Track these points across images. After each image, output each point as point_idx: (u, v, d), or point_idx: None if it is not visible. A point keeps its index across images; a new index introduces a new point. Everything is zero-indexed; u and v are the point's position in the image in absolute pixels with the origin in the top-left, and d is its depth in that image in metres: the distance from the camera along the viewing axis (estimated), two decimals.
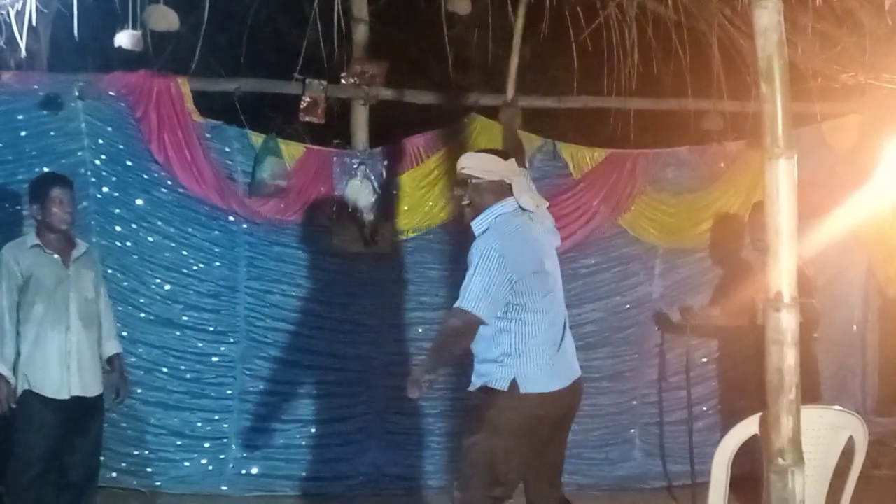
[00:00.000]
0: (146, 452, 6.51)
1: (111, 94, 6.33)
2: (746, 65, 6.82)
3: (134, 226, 6.45)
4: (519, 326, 4.26)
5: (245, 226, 6.62)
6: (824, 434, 3.96)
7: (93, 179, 6.33)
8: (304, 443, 6.76)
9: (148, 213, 6.47)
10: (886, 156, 7.04)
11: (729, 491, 4.02)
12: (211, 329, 6.64)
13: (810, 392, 4.16)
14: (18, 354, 5.09)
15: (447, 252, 6.82)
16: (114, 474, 6.30)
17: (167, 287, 6.53)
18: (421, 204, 6.87)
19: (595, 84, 7.13)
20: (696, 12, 6.81)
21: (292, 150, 6.69)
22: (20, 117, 6.20)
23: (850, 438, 4.03)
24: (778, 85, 3.37)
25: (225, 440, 6.68)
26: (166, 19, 6.07)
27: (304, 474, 6.69)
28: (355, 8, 6.89)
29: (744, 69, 6.90)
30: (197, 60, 6.35)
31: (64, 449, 5.18)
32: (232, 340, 6.67)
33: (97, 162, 6.35)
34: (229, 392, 6.68)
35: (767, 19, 3.38)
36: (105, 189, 6.38)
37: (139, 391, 6.37)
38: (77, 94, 6.23)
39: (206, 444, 6.65)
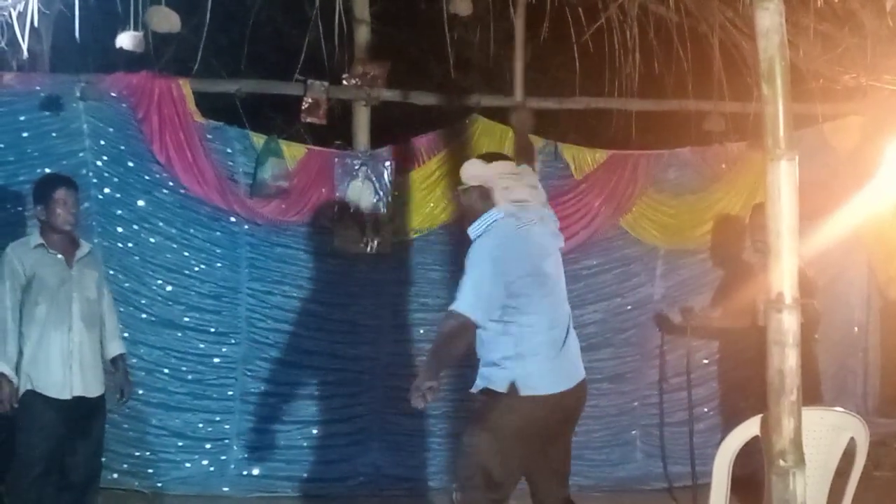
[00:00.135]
0: (147, 453, 6.52)
1: (113, 95, 6.33)
2: (748, 66, 6.83)
3: (135, 227, 6.46)
4: (516, 329, 4.25)
5: (246, 227, 6.63)
6: (825, 435, 3.96)
7: (94, 180, 6.34)
8: (305, 444, 6.76)
9: (149, 214, 6.47)
10: (888, 157, 7.04)
11: (730, 492, 4.01)
12: (212, 330, 6.64)
13: (811, 393, 4.16)
14: (21, 354, 5.09)
15: (448, 253, 6.82)
16: (115, 475, 6.30)
17: (169, 288, 6.53)
18: (422, 205, 6.87)
19: (596, 85, 7.14)
20: (698, 13, 6.82)
21: (294, 151, 6.69)
22: (22, 118, 6.21)
23: (852, 439, 4.03)
24: (779, 86, 3.37)
25: (226, 441, 6.68)
26: (168, 20, 6.08)
27: (305, 475, 6.69)
28: (357, 9, 6.89)
29: (745, 70, 6.90)
30: (198, 61, 6.36)
31: (66, 449, 5.18)
32: (233, 341, 6.67)
33: (99, 163, 6.35)
34: (231, 393, 6.68)
35: (769, 21, 3.38)
36: (106, 190, 6.39)
37: (141, 392, 6.37)
38: (79, 95, 6.23)
39: (208, 445, 6.66)
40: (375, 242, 6.71)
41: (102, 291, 5.43)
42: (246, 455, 6.69)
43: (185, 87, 6.44)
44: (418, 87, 7.30)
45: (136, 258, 6.46)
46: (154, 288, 6.51)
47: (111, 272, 6.15)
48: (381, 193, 6.74)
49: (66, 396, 5.13)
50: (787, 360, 3.37)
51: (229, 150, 6.61)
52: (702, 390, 7.10)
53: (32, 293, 5.11)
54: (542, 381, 4.23)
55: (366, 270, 6.83)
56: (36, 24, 5.41)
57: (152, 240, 6.49)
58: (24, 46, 5.44)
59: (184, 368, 6.59)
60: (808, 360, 4.40)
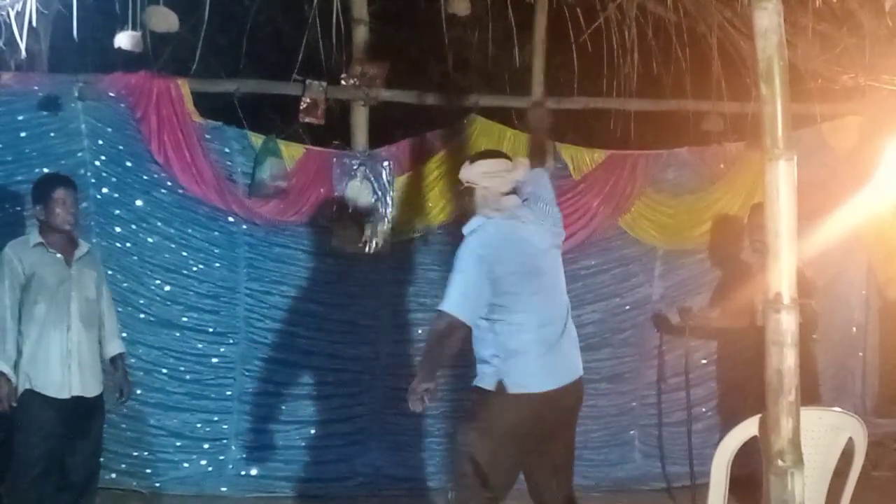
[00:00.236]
0: (146, 453, 6.51)
1: (111, 95, 6.33)
2: (746, 66, 6.83)
3: (134, 227, 6.45)
4: (504, 327, 4.27)
5: (245, 227, 6.62)
6: (824, 435, 3.96)
7: (93, 180, 6.33)
8: (303, 444, 6.75)
9: (148, 214, 6.47)
10: (886, 157, 7.04)
11: (728, 492, 4.01)
12: (210, 330, 6.64)
13: (809, 393, 4.16)
14: (20, 353, 5.08)
15: (447, 253, 6.76)
16: (113, 475, 6.30)
17: (167, 288, 6.53)
18: (421, 205, 6.86)
19: (595, 85, 7.14)
20: (696, 13, 6.82)
21: (292, 151, 6.69)
22: (20, 118, 6.20)
23: (850, 440, 4.03)
24: (778, 86, 3.37)
25: (224, 441, 6.68)
26: (166, 20, 6.09)
27: (303, 475, 6.68)
28: (355, 9, 6.89)
29: (744, 70, 6.91)
30: (197, 61, 6.37)
31: (65, 449, 5.18)
32: (231, 341, 6.67)
33: (97, 163, 6.35)
34: (229, 393, 6.68)
35: (767, 21, 3.38)
36: (105, 190, 6.38)
37: (139, 392, 6.36)
38: (77, 94, 6.23)
39: (206, 445, 6.65)
40: (374, 242, 6.71)
41: (101, 291, 5.43)
42: (244, 455, 6.69)
43: (184, 87, 6.44)
44: (417, 87, 7.29)
45: (135, 258, 6.46)
46: (152, 288, 6.50)
47: (109, 272, 6.14)
48: (380, 193, 6.74)
49: (65, 396, 5.13)
50: (785, 361, 3.37)
51: (227, 150, 6.60)
52: (700, 390, 7.10)
53: (31, 292, 5.11)
54: (530, 379, 4.23)
55: (364, 270, 6.83)
56: (34, 23, 5.40)
57: (150, 240, 6.48)
58: (23, 46, 5.44)
59: (182, 368, 6.58)
60: (807, 360, 4.40)
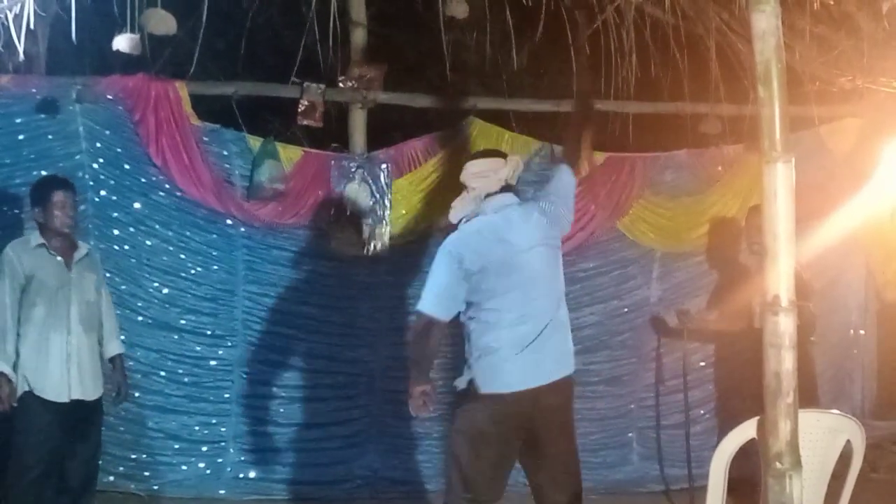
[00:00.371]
0: (144, 456, 6.51)
1: (109, 97, 6.33)
2: (744, 68, 6.83)
3: (132, 229, 6.45)
4: (476, 325, 4.29)
5: (243, 229, 6.62)
6: (822, 438, 3.96)
7: (91, 183, 6.33)
8: (301, 446, 6.75)
9: (146, 217, 6.47)
10: (884, 159, 7.05)
11: (726, 495, 4.01)
12: (209, 332, 6.64)
13: (807, 395, 4.16)
14: (18, 355, 5.08)
15: None
16: (111, 478, 6.30)
17: (165, 290, 6.53)
18: (419, 207, 6.87)
19: (593, 87, 7.13)
20: (694, 16, 6.81)
21: (290, 154, 6.69)
22: (18, 121, 6.21)
23: (848, 442, 4.03)
24: (776, 88, 3.38)
25: (223, 444, 6.68)
26: (164, 23, 6.09)
27: (301, 478, 6.68)
28: (353, 11, 6.89)
29: (741, 73, 6.91)
30: (195, 64, 6.36)
31: (63, 452, 5.17)
32: (230, 344, 6.67)
33: (95, 165, 6.35)
34: (227, 395, 6.68)
35: (765, 23, 3.38)
36: (103, 192, 6.38)
37: (137, 395, 6.36)
38: (75, 97, 6.24)
39: (204, 448, 6.65)
40: (372, 245, 6.71)
41: (101, 293, 5.44)
42: (242, 458, 6.69)
43: (182, 90, 6.44)
44: (415, 89, 7.30)
45: (133, 260, 6.46)
46: (150, 290, 6.50)
47: (108, 274, 6.12)
48: (378, 196, 6.74)
49: (64, 399, 5.13)
50: (783, 363, 3.37)
51: (225, 153, 6.60)
52: (698, 393, 7.11)
53: (31, 294, 5.11)
54: (499, 379, 4.20)
55: (362, 273, 6.83)
56: (32, 26, 5.38)
57: (149, 242, 6.48)
58: (21, 49, 5.41)
59: (180, 371, 6.58)
60: (804, 362, 4.38)
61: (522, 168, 4.63)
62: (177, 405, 6.59)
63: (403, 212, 6.84)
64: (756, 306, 5.76)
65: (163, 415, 6.55)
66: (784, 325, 3.37)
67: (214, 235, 6.60)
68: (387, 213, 6.76)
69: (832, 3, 6.38)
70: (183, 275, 6.56)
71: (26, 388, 5.08)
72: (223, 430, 6.68)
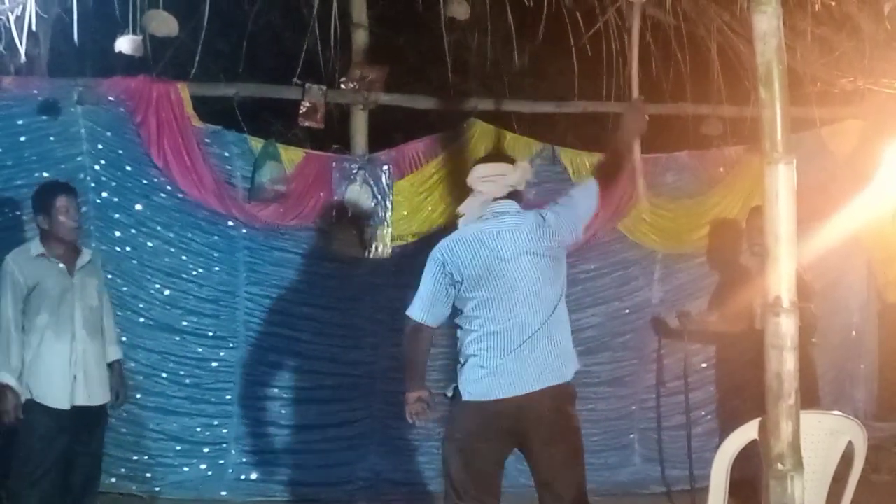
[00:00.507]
0: (145, 457, 6.51)
1: (110, 99, 6.33)
2: (745, 70, 6.84)
3: (133, 231, 6.45)
4: (462, 332, 4.29)
5: (244, 231, 6.62)
6: (823, 439, 3.95)
7: (92, 184, 6.33)
8: (302, 448, 6.75)
9: (147, 218, 6.47)
10: (886, 160, 7.04)
11: (728, 496, 4.01)
12: (210, 334, 6.64)
13: (808, 397, 4.14)
14: (23, 364, 5.07)
15: None
16: (113, 479, 6.29)
17: (167, 292, 6.53)
18: (420, 209, 6.87)
19: (594, 89, 7.14)
20: (696, 17, 6.82)
21: (291, 155, 6.69)
22: (19, 122, 6.20)
23: (850, 443, 4.02)
24: (777, 90, 3.37)
25: (224, 445, 6.68)
26: (166, 24, 6.09)
27: (302, 479, 6.68)
28: (354, 13, 6.90)
29: (743, 74, 6.91)
30: (196, 65, 6.36)
31: (66, 455, 5.17)
32: (231, 345, 6.67)
33: (96, 167, 6.35)
34: (229, 397, 6.68)
35: (766, 24, 3.38)
36: (104, 194, 6.38)
37: (138, 396, 6.37)
38: (76, 99, 6.23)
39: (206, 450, 6.65)
40: (373, 246, 6.71)
41: (103, 297, 5.43)
42: (244, 459, 6.69)
43: (183, 91, 6.44)
44: (416, 90, 7.31)
45: (135, 262, 6.46)
46: (152, 292, 6.50)
47: (109, 276, 6.13)
48: (379, 197, 6.74)
49: (67, 406, 5.12)
50: (785, 364, 3.36)
51: (227, 154, 6.60)
52: (699, 394, 7.11)
53: (34, 302, 5.09)
54: (477, 386, 4.16)
55: (364, 274, 6.83)
56: (34, 27, 5.39)
57: (150, 244, 6.48)
58: (22, 50, 5.43)
59: (182, 372, 6.58)
60: (806, 364, 4.38)
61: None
62: (178, 407, 6.59)
63: (405, 213, 6.84)
64: (757, 308, 5.76)
65: (164, 416, 6.55)
66: (785, 327, 3.36)
67: (216, 237, 6.60)
68: (388, 214, 6.76)
69: (833, 4, 6.39)
70: (184, 276, 6.56)
71: (28, 396, 5.07)
72: (224, 431, 6.68)
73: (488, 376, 4.15)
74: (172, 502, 6.45)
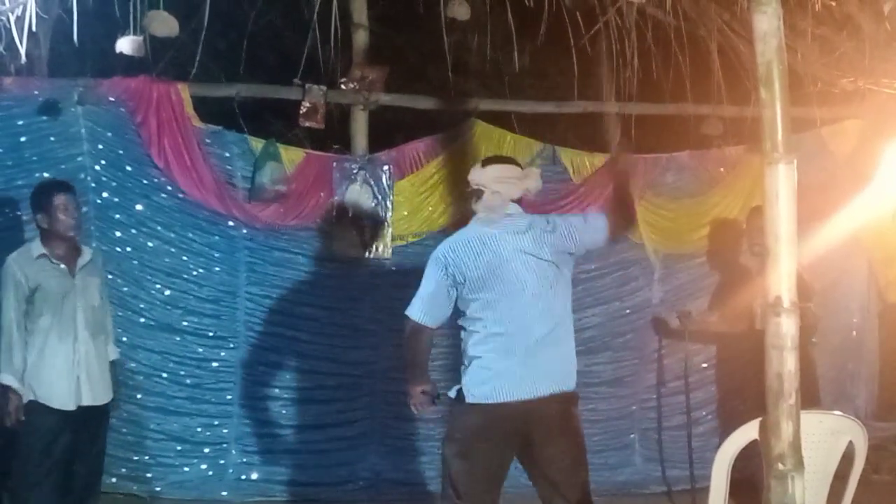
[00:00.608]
0: (146, 458, 6.50)
1: (111, 99, 6.34)
2: (746, 70, 6.83)
3: (134, 231, 6.45)
4: (465, 333, 4.27)
5: (245, 231, 6.62)
6: (824, 439, 3.95)
7: (92, 185, 6.33)
8: (303, 448, 6.75)
9: (148, 219, 6.47)
10: (886, 160, 7.04)
11: (729, 496, 4.01)
12: (211, 334, 6.64)
13: (809, 397, 4.14)
14: (25, 365, 5.06)
15: None
16: (114, 479, 6.29)
17: (167, 292, 6.53)
18: (421, 209, 6.88)
19: (594, 89, 7.14)
20: (696, 17, 6.82)
21: (292, 156, 6.69)
22: (20, 123, 6.21)
23: (850, 443, 4.02)
24: (777, 90, 3.37)
25: (225, 445, 6.68)
26: (166, 25, 6.09)
27: (303, 479, 6.68)
28: (355, 13, 6.90)
29: (743, 74, 6.90)
30: (197, 66, 6.35)
31: (69, 456, 5.17)
32: (232, 345, 6.67)
33: (97, 167, 6.35)
34: (229, 397, 6.68)
35: (767, 24, 3.38)
36: (105, 194, 6.38)
37: (139, 396, 6.38)
38: (77, 99, 6.24)
39: (206, 450, 6.65)
40: (374, 246, 6.72)
41: (103, 296, 5.43)
42: (244, 459, 6.68)
43: (184, 92, 6.45)
44: (416, 91, 7.31)
45: (135, 262, 6.46)
46: (152, 292, 6.50)
47: (110, 276, 6.13)
48: (380, 197, 6.75)
49: (71, 407, 5.12)
50: (785, 364, 3.36)
51: (227, 155, 6.61)
52: (700, 394, 7.11)
53: (36, 304, 5.08)
54: (480, 388, 4.15)
55: (364, 274, 6.83)
56: (34, 28, 5.39)
57: (151, 244, 6.48)
58: (23, 50, 5.43)
59: (182, 372, 6.58)
60: (806, 364, 4.38)
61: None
62: (179, 407, 6.59)
63: (405, 213, 6.85)
64: (758, 308, 5.76)
65: (165, 416, 6.55)
66: (786, 327, 3.36)
67: (216, 237, 6.60)
68: (388, 214, 6.76)
69: (834, 4, 6.39)
70: (185, 276, 6.56)
71: (31, 397, 5.07)
72: (225, 431, 6.68)
73: (494, 379, 4.14)
74: (173, 502, 6.45)
